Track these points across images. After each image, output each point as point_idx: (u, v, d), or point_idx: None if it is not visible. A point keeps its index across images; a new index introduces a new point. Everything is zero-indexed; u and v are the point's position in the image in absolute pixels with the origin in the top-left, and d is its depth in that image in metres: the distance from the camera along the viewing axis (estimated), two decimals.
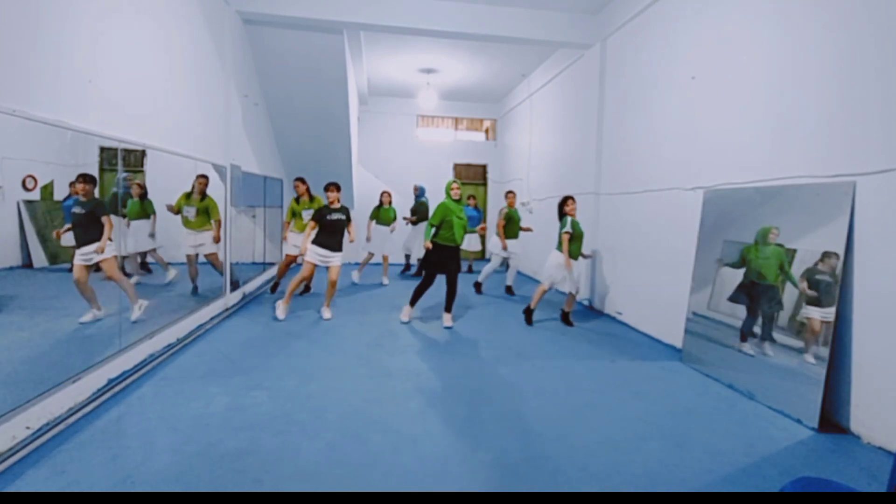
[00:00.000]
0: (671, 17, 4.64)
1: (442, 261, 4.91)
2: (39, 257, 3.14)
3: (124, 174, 3.98)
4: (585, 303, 6.26)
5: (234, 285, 5.59)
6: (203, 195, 4.99)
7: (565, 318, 5.24)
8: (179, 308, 4.41)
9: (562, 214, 5.04)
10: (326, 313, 5.21)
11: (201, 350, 3.99)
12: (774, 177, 3.38)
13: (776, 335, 3.22)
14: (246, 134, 6.12)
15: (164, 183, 4.48)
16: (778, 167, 3.36)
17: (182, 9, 4.26)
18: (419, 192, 8.13)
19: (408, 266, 8.70)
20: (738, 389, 3.39)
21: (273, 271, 7.80)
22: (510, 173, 10.33)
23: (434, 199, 7.21)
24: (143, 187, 4.19)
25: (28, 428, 2.39)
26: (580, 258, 5.28)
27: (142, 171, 3.96)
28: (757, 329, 3.37)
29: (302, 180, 6.33)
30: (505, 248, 6.70)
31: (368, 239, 7.39)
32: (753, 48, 3.62)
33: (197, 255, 5.03)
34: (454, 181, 5.02)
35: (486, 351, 4.21)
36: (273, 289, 6.59)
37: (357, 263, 9.53)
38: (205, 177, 4.94)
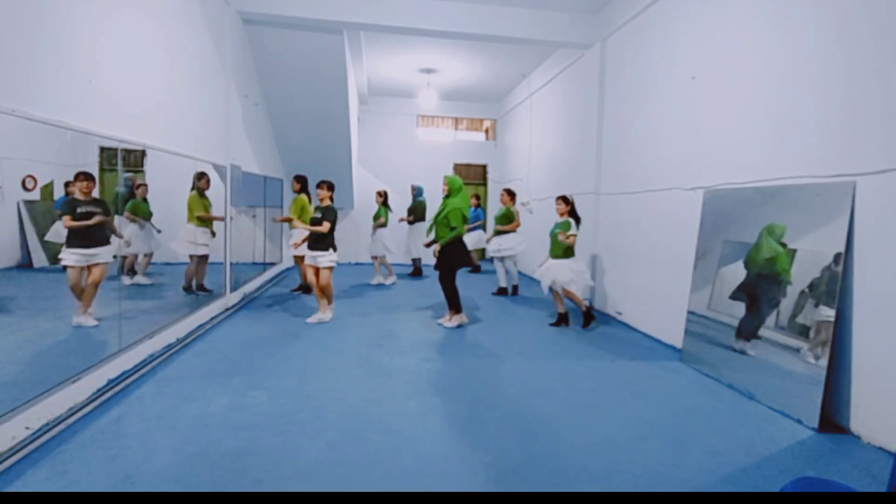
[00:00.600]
0: (671, 17, 4.64)
1: (461, 255, 4.89)
2: (39, 257, 3.14)
3: (128, 174, 3.99)
4: (586, 303, 6.25)
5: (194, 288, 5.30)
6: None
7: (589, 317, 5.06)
8: (180, 308, 4.42)
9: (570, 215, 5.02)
10: (312, 318, 4.95)
11: (201, 350, 3.99)
12: (774, 177, 3.38)
13: (776, 335, 3.21)
14: (246, 134, 6.12)
15: (164, 183, 4.48)
16: (778, 167, 3.36)
17: (182, 9, 4.26)
18: (416, 192, 8.10)
19: (417, 270, 8.62)
20: (738, 389, 3.38)
21: (274, 272, 7.81)
22: (510, 173, 10.32)
23: (434, 200, 7.21)
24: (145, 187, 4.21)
25: (28, 428, 2.39)
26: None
27: (142, 171, 3.96)
28: (756, 328, 3.37)
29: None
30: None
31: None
32: (753, 48, 3.62)
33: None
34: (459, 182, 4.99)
35: (486, 351, 4.21)
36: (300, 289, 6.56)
37: (358, 263, 9.54)
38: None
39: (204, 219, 4.98)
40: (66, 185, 3.16)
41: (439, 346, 4.30)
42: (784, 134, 3.33)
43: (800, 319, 3.05)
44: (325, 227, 4.83)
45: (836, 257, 2.85)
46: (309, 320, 4.93)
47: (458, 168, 11.25)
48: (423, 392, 3.25)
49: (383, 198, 7.53)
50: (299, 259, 6.14)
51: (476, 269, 8.82)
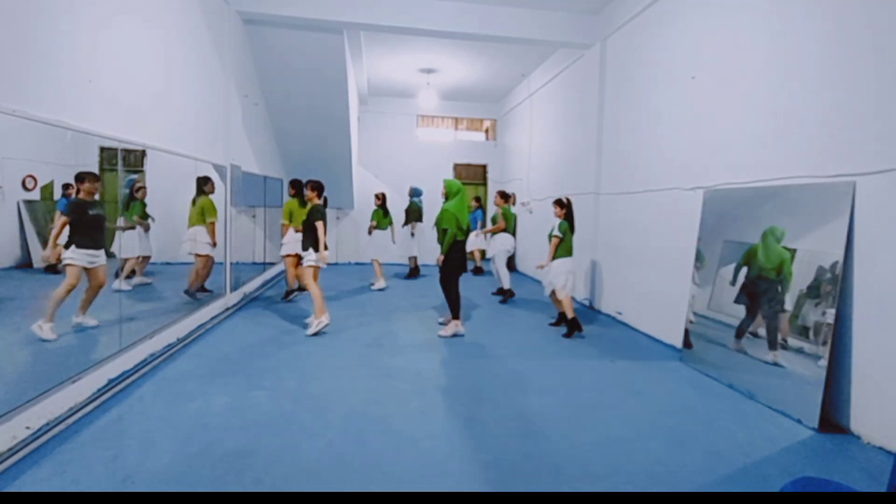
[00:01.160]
0: (671, 16, 4.64)
1: (462, 261, 4.86)
2: (39, 257, 3.14)
3: (134, 175, 4.01)
4: (586, 303, 6.26)
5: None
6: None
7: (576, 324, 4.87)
8: (179, 308, 4.42)
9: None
10: (310, 329, 4.58)
11: (201, 350, 3.99)
12: (774, 177, 3.38)
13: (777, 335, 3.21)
14: (246, 134, 6.12)
15: (164, 183, 4.49)
16: (778, 167, 3.36)
17: (182, 9, 4.26)
18: (412, 193, 8.03)
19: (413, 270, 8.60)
20: (738, 389, 3.38)
21: (274, 271, 7.80)
22: (510, 173, 10.33)
23: (435, 201, 7.19)
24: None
25: (28, 428, 2.39)
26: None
27: (142, 171, 3.97)
28: (760, 332, 3.34)
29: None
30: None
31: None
32: (753, 48, 3.62)
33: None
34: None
35: (486, 351, 4.21)
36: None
37: (358, 263, 9.54)
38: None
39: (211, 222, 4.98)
40: (65, 186, 3.16)
41: (439, 346, 4.30)
42: (784, 134, 3.33)
43: (799, 320, 3.05)
44: (320, 226, 4.67)
45: (834, 263, 2.86)
46: (309, 332, 4.56)
47: (458, 168, 11.25)
48: (423, 392, 3.25)
49: (381, 200, 7.38)
50: (289, 261, 6.12)
51: (478, 271, 8.80)
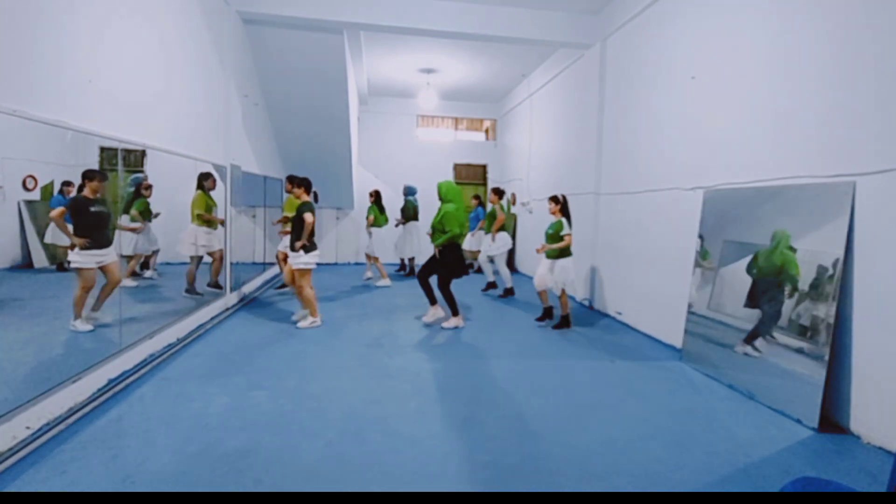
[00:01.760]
0: (671, 17, 4.64)
1: (458, 263, 4.88)
2: (39, 257, 3.14)
3: (141, 174, 4.05)
4: (585, 303, 6.26)
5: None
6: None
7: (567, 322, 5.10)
8: (180, 308, 4.42)
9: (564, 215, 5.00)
10: (302, 322, 4.77)
11: (201, 350, 3.99)
12: (774, 177, 3.38)
13: (776, 335, 3.21)
14: (246, 134, 6.12)
15: (164, 183, 4.48)
16: (778, 167, 3.36)
17: (182, 9, 4.26)
18: (407, 192, 8.02)
19: (402, 266, 8.63)
20: (738, 389, 3.38)
21: (274, 271, 7.80)
22: (510, 173, 10.32)
23: (432, 201, 7.17)
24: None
25: (28, 428, 2.39)
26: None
27: (142, 171, 3.96)
28: (767, 333, 3.27)
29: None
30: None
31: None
32: (753, 48, 3.62)
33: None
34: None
35: (486, 351, 4.21)
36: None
37: (357, 263, 9.54)
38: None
39: (205, 218, 4.99)
40: (64, 184, 3.16)
41: (439, 346, 4.30)
42: (784, 134, 3.33)
43: (800, 320, 3.04)
44: (309, 217, 4.59)
45: (834, 263, 2.85)
46: (300, 325, 4.73)
47: (458, 168, 11.25)
48: (423, 392, 3.25)
49: (374, 197, 7.50)
50: (282, 258, 6.16)
51: (473, 270, 8.80)
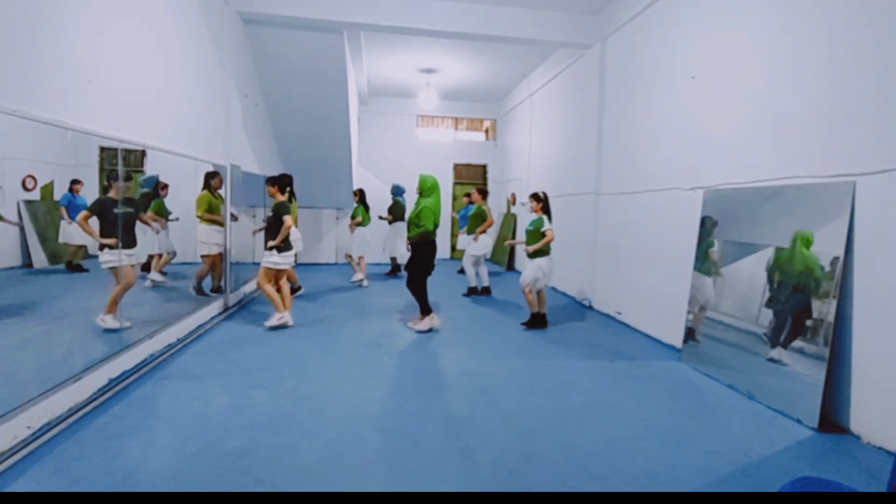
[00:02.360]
0: (671, 17, 4.64)
1: (430, 260, 4.78)
2: (39, 257, 3.15)
3: (155, 174, 4.13)
4: (586, 303, 6.26)
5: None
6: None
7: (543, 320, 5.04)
8: (182, 308, 4.42)
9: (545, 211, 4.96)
10: (269, 320, 4.72)
11: (201, 350, 4.00)
12: (774, 177, 3.38)
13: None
14: (246, 134, 6.12)
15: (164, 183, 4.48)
16: (778, 167, 3.36)
17: (182, 9, 4.26)
18: (394, 191, 7.96)
19: (394, 268, 8.51)
20: (737, 389, 3.38)
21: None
22: (510, 173, 10.33)
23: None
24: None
25: (29, 427, 2.40)
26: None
27: (142, 171, 3.97)
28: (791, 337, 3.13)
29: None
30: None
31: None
32: (753, 48, 3.62)
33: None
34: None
35: (485, 351, 4.21)
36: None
37: (346, 264, 9.51)
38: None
39: (207, 218, 5.00)
40: (73, 182, 3.22)
41: (438, 346, 4.30)
42: (784, 134, 3.33)
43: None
44: (288, 220, 4.57)
45: (834, 263, 2.84)
46: (267, 324, 4.67)
47: (458, 168, 11.26)
48: (423, 392, 3.25)
49: (359, 196, 7.47)
50: None
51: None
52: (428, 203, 4.67)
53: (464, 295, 6.71)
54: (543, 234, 4.81)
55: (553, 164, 7.80)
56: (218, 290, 5.30)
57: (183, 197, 4.87)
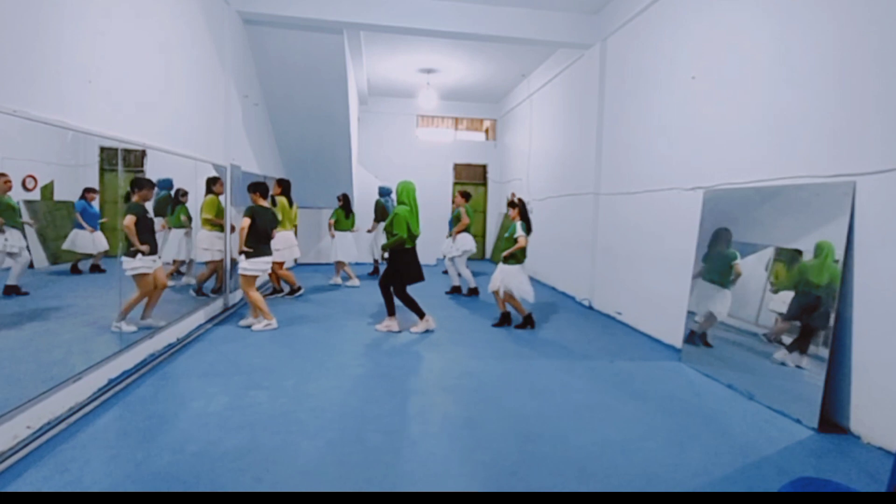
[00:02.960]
0: (671, 16, 4.64)
1: (411, 268, 4.67)
2: (40, 257, 3.15)
3: (170, 178, 4.20)
4: (586, 303, 6.26)
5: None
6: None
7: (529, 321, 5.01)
8: (183, 308, 4.42)
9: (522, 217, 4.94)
10: (256, 325, 4.69)
11: (201, 350, 4.00)
12: (774, 177, 3.38)
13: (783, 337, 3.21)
14: (246, 134, 6.13)
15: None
16: (778, 167, 3.36)
17: (182, 9, 4.26)
18: (379, 192, 7.90)
19: (376, 269, 8.42)
20: (737, 389, 3.39)
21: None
22: (510, 173, 10.33)
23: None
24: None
25: (29, 427, 2.40)
26: None
27: (142, 171, 3.97)
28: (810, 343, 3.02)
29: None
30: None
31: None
32: (753, 48, 3.62)
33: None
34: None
35: (485, 351, 4.21)
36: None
37: (358, 264, 9.53)
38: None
39: (215, 223, 5.01)
40: (86, 191, 3.30)
41: (438, 347, 4.30)
42: (784, 133, 3.33)
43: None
44: (245, 222, 4.51)
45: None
46: (254, 328, 4.66)
47: (458, 168, 11.26)
48: (422, 392, 3.25)
49: (343, 202, 7.34)
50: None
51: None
52: (400, 210, 4.56)
53: (463, 295, 6.73)
54: (516, 241, 4.80)
55: (553, 164, 7.80)
56: (218, 290, 5.32)
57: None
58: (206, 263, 5.01)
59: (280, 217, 5.96)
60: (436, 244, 8.19)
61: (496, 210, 11.19)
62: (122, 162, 3.36)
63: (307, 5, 5.54)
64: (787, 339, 3.11)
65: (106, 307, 3.43)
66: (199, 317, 4.67)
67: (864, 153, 2.78)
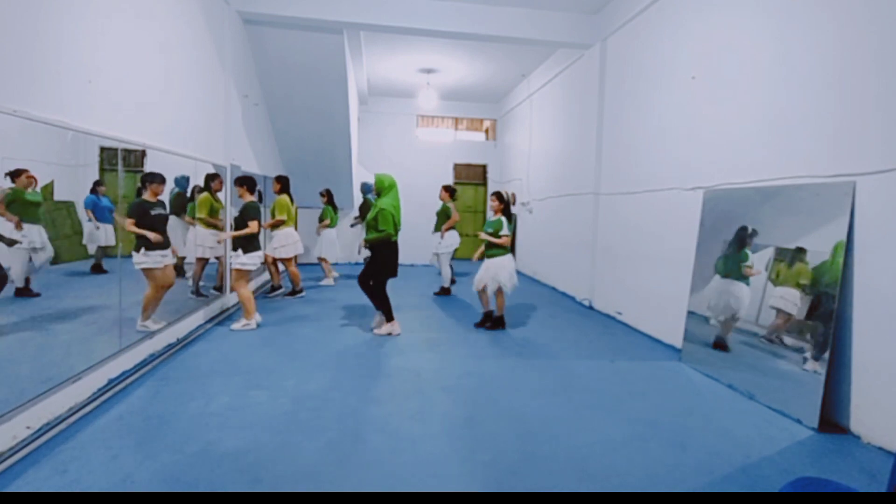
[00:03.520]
0: (671, 17, 4.64)
1: (391, 263, 4.59)
2: (40, 257, 3.14)
3: (187, 175, 4.17)
4: (586, 303, 6.26)
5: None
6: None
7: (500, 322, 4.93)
8: (180, 308, 4.42)
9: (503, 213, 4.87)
10: (235, 324, 4.69)
11: (201, 350, 4.00)
12: (774, 177, 3.38)
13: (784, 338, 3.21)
14: (246, 134, 6.13)
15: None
16: (778, 167, 3.36)
17: (182, 9, 4.26)
18: (364, 189, 7.74)
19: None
20: (737, 389, 3.38)
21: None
22: (510, 173, 10.33)
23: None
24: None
25: (29, 427, 2.40)
26: None
27: (142, 171, 3.96)
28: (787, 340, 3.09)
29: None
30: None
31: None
32: (753, 48, 3.62)
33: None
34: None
35: (485, 351, 4.21)
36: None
37: (357, 264, 9.53)
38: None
39: (208, 222, 5.00)
40: (96, 184, 3.28)
41: (438, 347, 4.30)
42: (784, 134, 3.33)
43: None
44: (253, 225, 4.52)
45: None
46: (232, 326, 4.64)
47: (458, 168, 11.26)
48: (423, 392, 3.25)
49: (327, 198, 7.29)
50: (270, 262, 6.25)
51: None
52: (384, 204, 4.40)
53: (435, 293, 6.73)
54: (500, 238, 4.71)
55: (553, 164, 7.80)
56: (218, 290, 5.32)
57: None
58: (197, 260, 5.00)
59: (281, 215, 5.97)
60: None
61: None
62: (122, 162, 3.36)
63: (307, 5, 5.54)
64: (787, 339, 3.11)
65: (106, 307, 3.42)
66: (199, 317, 4.67)
67: (863, 153, 2.78)
